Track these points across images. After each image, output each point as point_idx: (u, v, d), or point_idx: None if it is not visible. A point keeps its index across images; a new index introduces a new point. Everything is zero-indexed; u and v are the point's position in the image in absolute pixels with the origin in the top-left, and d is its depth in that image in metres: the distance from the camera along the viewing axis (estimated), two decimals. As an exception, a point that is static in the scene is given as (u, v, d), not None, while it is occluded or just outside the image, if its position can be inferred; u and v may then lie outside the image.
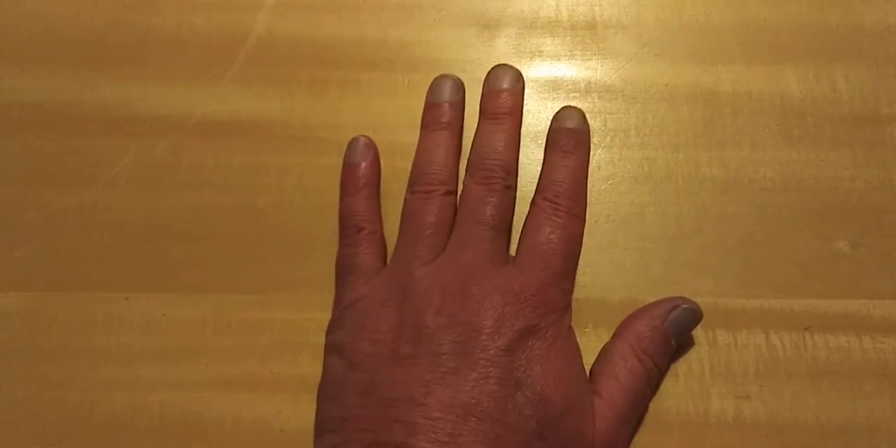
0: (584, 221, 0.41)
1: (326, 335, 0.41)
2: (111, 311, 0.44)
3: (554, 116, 0.43)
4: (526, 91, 0.46)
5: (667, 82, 0.47)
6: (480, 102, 0.44)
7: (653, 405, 0.41)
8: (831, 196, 0.45)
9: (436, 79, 0.45)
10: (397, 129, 0.46)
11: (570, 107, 0.44)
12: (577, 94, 0.47)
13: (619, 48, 0.48)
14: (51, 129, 0.48)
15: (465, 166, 0.42)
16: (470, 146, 0.42)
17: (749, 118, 0.46)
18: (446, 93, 0.44)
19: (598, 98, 0.47)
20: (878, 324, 0.42)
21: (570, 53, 0.48)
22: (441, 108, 0.44)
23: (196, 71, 0.48)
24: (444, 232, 0.40)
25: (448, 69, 0.47)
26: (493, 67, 0.44)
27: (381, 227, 0.43)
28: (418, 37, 0.48)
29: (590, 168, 0.44)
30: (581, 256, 0.43)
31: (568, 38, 0.48)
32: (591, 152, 0.45)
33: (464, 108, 0.45)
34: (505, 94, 0.43)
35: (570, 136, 0.42)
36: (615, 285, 0.43)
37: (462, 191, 0.41)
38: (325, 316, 0.42)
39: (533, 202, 0.41)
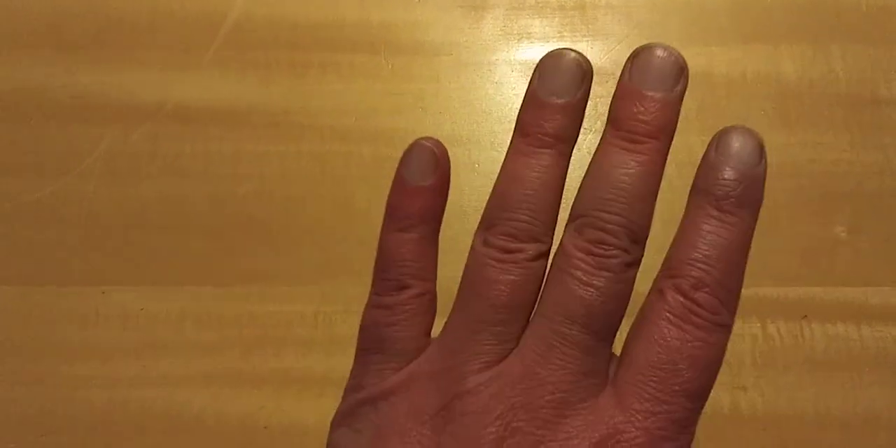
0: (730, 332, 0.26)
1: (332, 428, 0.29)
2: (87, 305, 0.43)
3: (716, 138, 0.27)
4: (512, 75, 0.45)
5: (659, 64, 0.46)
6: (612, 107, 0.27)
7: (647, 397, 0.40)
8: (828, 180, 0.44)
9: (549, 53, 0.27)
10: (380, 114, 0.45)
11: (745, 129, 0.26)
12: (567, 77, 0.46)
13: (609, 29, 0.47)
14: (22, 117, 0.46)
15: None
16: (582, 178, 0.27)
17: (744, 100, 0.45)
18: (564, 82, 0.27)
19: (589, 81, 0.46)
20: (877, 312, 0.41)
21: (559, 35, 0.47)
22: (551, 110, 0.27)
23: (172, 56, 0.47)
24: (522, 317, 0.27)
25: (433, 53, 0.45)
26: (642, 48, 0.27)
27: (435, 285, 0.29)
28: (401, 18, 0.47)
29: (580, 154, 0.43)
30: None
31: (557, 19, 0.47)
32: (581, 137, 0.44)
33: (584, 113, 0.28)
34: (660, 101, 0.26)
35: (736, 187, 0.26)
36: (607, 274, 0.42)
37: (556, 254, 0.27)
38: (308, 308, 0.41)
39: (655, 290, 0.26)
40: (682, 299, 0.25)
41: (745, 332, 0.41)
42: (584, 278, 0.25)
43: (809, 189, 0.44)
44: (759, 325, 0.41)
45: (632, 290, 0.26)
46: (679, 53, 0.27)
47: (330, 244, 0.44)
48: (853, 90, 0.45)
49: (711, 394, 0.40)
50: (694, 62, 0.46)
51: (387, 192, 0.41)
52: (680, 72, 0.27)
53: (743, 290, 0.41)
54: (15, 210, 0.45)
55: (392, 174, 0.40)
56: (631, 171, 0.26)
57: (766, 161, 0.26)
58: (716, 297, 0.25)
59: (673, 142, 0.45)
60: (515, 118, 0.27)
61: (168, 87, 0.46)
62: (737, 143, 0.26)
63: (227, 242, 0.44)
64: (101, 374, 0.42)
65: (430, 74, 0.46)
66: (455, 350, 0.26)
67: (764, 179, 0.26)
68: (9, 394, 0.42)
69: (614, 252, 0.25)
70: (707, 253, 0.25)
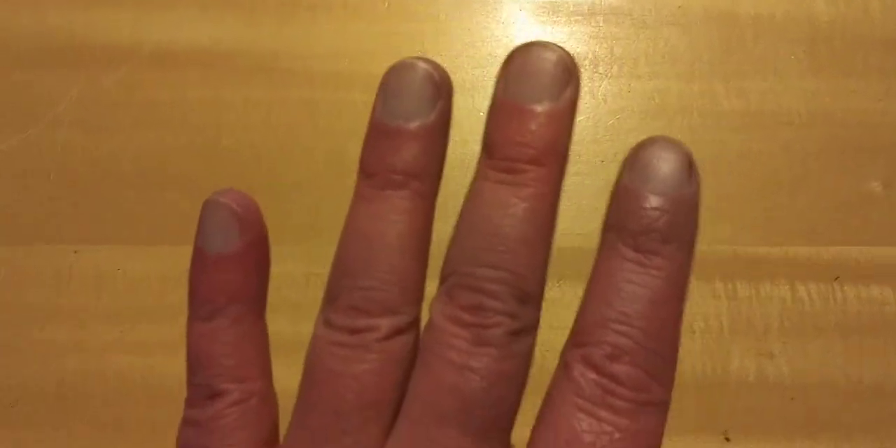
0: (667, 410, 0.20)
1: None
2: (59, 265, 0.41)
3: (629, 157, 0.20)
4: (520, 15, 0.42)
5: (680, 4, 0.43)
6: (486, 129, 0.21)
7: (666, 365, 0.37)
8: (862, 131, 0.41)
9: (392, 68, 0.21)
10: (375, 57, 0.42)
11: (663, 142, 0.20)
12: (580, 18, 0.43)
13: (625, -35, 0.44)
14: (-15, 62, 0.44)
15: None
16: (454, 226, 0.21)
17: (772, 44, 0.42)
18: (412, 101, 0.21)
19: (604, 21, 0.43)
20: (915, 273, 0.39)
21: (570, -29, 0.44)
22: (398, 138, 0.21)
23: (147, -7, 0.44)
24: (382, 418, 0.20)
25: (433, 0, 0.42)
26: (518, 47, 0.20)
27: (266, 383, 0.23)
28: (399, -49, 0.44)
29: (594, 100, 0.40)
30: (584, 201, 0.39)
31: (568, -47, 0.44)
32: (596, 83, 0.41)
33: (447, 136, 0.22)
34: (541, 115, 0.20)
35: (657, 217, 0.19)
36: (624, 232, 0.39)
37: (424, 330, 0.21)
38: (298, 269, 0.39)
39: (561, 365, 0.20)
40: (594, 376, 0.19)
41: (773, 295, 0.39)
42: (458, 360, 0.19)
43: (841, 140, 0.41)
44: (787, 287, 0.39)
45: (529, 365, 0.20)
46: (564, 51, 0.20)
47: (321, 200, 0.41)
48: (889, 32, 0.42)
49: (736, 360, 0.37)
50: (718, 1, 0.43)
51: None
52: (567, 74, 0.20)
53: (770, 250, 0.39)
54: (-22, 163, 0.42)
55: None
56: (511, 210, 0.19)
57: (697, 180, 0.19)
58: (640, 368, 0.19)
59: (693, 87, 0.42)
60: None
61: (144, 28, 0.43)
62: (655, 160, 0.19)
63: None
64: (75, 340, 0.40)
65: (430, 13, 0.42)
66: None
67: (697, 204, 0.19)
68: (-23, 360, 0.39)
69: (496, 319, 0.19)
70: (624, 310, 0.19)
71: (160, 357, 0.39)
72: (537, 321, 0.20)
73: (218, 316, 0.22)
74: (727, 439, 0.37)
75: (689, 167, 0.19)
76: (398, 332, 0.20)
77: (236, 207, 0.22)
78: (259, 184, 0.41)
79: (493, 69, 0.41)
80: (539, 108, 0.20)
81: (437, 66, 0.21)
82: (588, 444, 0.18)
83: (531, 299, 0.19)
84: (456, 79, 0.39)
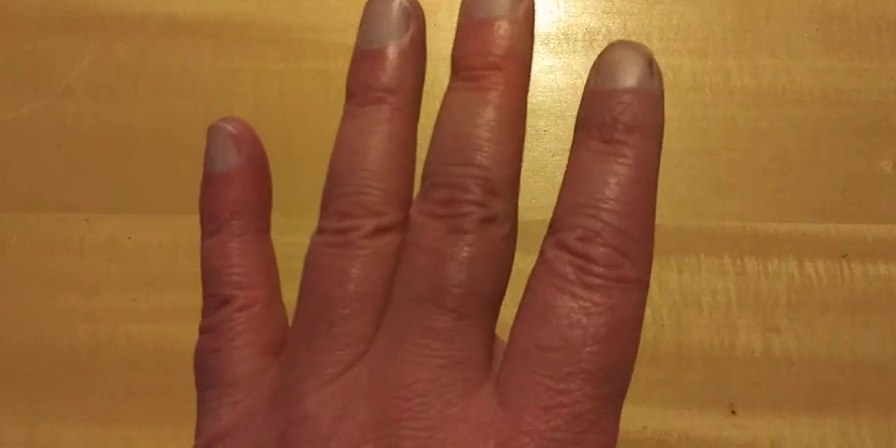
0: (647, 288, 0.20)
1: None
2: (71, 233, 0.40)
3: (595, 63, 0.21)
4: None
5: (694, -20, 0.43)
6: (453, 46, 0.22)
7: (674, 338, 0.38)
8: (875, 110, 0.41)
9: (368, 2, 0.23)
10: None
11: (624, 44, 0.21)
12: (594, -8, 0.42)
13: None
14: (-3, 29, 0.43)
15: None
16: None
17: (785, 22, 0.42)
18: (385, 26, 0.23)
19: (618, -4, 0.43)
20: (923, 251, 0.39)
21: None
22: (373, 59, 0.23)
23: (160, -39, 0.43)
24: (371, 310, 0.21)
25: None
26: None
27: (272, 291, 0.24)
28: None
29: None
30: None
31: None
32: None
33: (424, 59, 0.23)
34: (498, 27, 0.21)
35: (622, 110, 0.20)
36: (634, 207, 0.39)
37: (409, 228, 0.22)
38: (309, 240, 0.39)
39: (540, 253, 0.20)
40: (567, 257, 0.19)
41: (780, 271, 0.39)
42: (432, 246, 0.20)
43: (853, 119, 0.41)
44: (795, 263, 0.39)
45: (509, 252, 0.21)
46: None
47: (332, 172, 0.40)
48: (904, 12, 0.42)
49: (743, 335, 0.37)
50: (733, -23, 0.42)
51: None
52: None
53: (779, 226, 0.39)
54: (-10, 130, 0.42)
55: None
56: (476, 111, 0.20)
57: (660, 77, 0.20)
58: (611, 248, 0.19)
59: (706, 64, 0.42)
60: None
61: (156, -4, 0.43)
62: (617, 61, 0.20)
63: (221, 168, 0.41)
64: (87, 308, 0.39)
65: (445, -14, 0.42)
66: (291, 366, 0.21)
67: (660, 97, 0.20)
68: (-12, 328, 0.39)
69: (467, 209, 0.20)
70: (593, 195, 0.20)
71: (172, 324, 0.39)
72: (512, 212, 0.20)
73: (223, 230, 0.24)
74: (733, 412, 0.37)
75: (650, 65, 0.20)
76: (382, 230, 0.21)
77: (232, 129, 0.24)
78: (271, 154, 0.41)
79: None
80: (494, 21, 0.21)
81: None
82: (563, 316, 0.19)
83: (501, 190, 0.20)
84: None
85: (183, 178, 0.41)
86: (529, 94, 0.22)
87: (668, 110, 0.40)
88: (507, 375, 0.19)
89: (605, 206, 0.19)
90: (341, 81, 0.41)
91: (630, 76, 0.20)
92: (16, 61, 0.43)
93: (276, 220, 0.39)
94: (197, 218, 0.40)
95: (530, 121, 0.39)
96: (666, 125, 0.38)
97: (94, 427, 0.38)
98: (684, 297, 0.38)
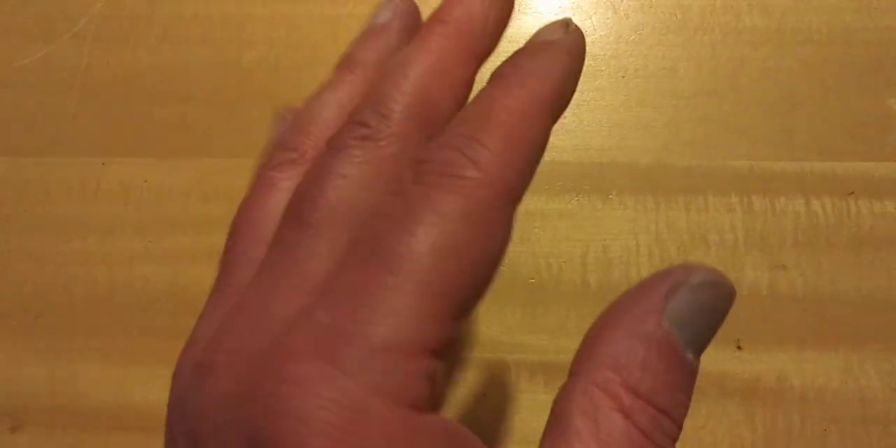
0: (513, 200, 0.18)
1: None
2: (86, 177, 0.41)
3: None
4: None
5: (703, -80, 0.42)
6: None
7: (681, 276, 0.38)
8: (883, 49, 0.41)
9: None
10: None
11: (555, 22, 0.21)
12: (602, -67, 0.42)
13: None
14: (7, -25, 0.43)
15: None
16: None
17: (794, -40, 0.41)
18: (379, 14, 0.25)
19: (626, -63, 0.42)
20: (929, 188, 0.39)
21: None
22: (358, 39, 0.26)
23: None
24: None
25: None
26: None
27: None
28: None
29: (616, 16, 0.40)
30: (604, 116, 0.39)
31: None
32: None
33: (398, 38, 0.25)
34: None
35: (521, 57, 0.20)
36: (643, 147, 0.39)
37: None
38: None
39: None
40: (411, 165, 0.18)
41: (786, 209, 0.39)
42: (319, 169, 0.20)
43: (861, 58, 0.40)
44: (802, 201, 0.39)
45: (374, 170, 0.19)
46: None
47: (343, 117, 0.40)
48: (914, -49, 0.42)
49: (749, 273, 0.38)
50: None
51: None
52: None
53: (786, 165, 0.39)
54: (5, 76, 0.42)
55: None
56: (416, 56, 0.21)
57: (577, 33, 0.21)
58: (458, 152, 0.18)
59: (715, 2, 0.42)
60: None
61: (165, -59, 0.43)
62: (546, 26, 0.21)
63: (232, 112, 0.41)
64: (102, 251, 0.40)
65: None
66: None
67: (571, 50, 0.20)
68: (4, 271, 0.39)
69: (348, 128, 0.20)
70: (475, 112, 0.19)
71: (186, 266, 0.39)
72: (398, 134, 0.20)
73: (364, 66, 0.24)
74: (739, 347, 0.37)
75: (566, 25, 0.21)
76: (287, 163, 0.22)
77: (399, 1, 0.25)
78: (281, 99, 0.41)
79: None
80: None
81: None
82: (385, 215, 0.18)
83: (401, 120, 0.20)
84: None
85: (195, 122, 0.41)
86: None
87: (677, 50, 0.40)
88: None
89: (472, 124, 0.19)
90: (349, 25, 0.42)
91: (547, 31, 0.21)
92: (27, 8, 0.43)
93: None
94: (210, 161, 0.41)
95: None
96: (675, 65, 0.38)
97: (112, 366, 0.38)
98: (692, 236, 0.38)
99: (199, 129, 0.41)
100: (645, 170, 0.39)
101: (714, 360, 0.37)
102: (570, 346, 0.18)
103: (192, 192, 0.40)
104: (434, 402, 0.16)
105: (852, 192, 0.39)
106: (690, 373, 0.19)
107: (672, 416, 0.18)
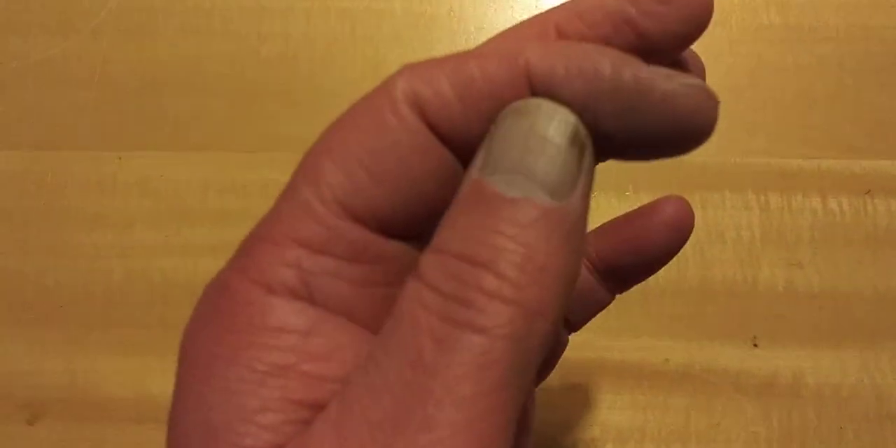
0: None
1: None
2: (104, 171, 0.41)
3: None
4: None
5: (722, -85, 0.42)
6: None
7: (697, 273, 0.38)
8: (901, 46, 0.40)
9: None
10: None
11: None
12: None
13: None
14: (25, -31, 0.43)
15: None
16: None
17: (813, -43, 0.41)
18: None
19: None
20: (947, 187, 0.39)
21: None
22: None
23: None
24: None
25: None
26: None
27: None
28: None
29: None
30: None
31: None
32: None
33: None
34: None
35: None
36: (659, 143, 0.39)
37: None
38: None
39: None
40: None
41: (803, 207, 0.39)
42: None
43: (880, 56, 0.40)
44: (819, 199, 0.39)
45: None
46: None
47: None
48: (933, -52, 0.41)
49: (766, 270, 0.38)
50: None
51: (421, 52, 0.38)
52: None
53: (804, 162, 0.39)
54: (24, 70, 0.42)
55: (426, 34, 0.36)
56: None
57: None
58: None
59: (732, 2, 0.41)
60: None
61: (184, -65, 0.43)
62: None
63: (249, 106, 0.41)
64: (120, 244, 0.40)
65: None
66: None
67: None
68: (23, 264, 0.40)
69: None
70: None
71: (203, 259, 0.39)
72: None
73: None
74: (755, 345, 0.37)
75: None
76: None
77: None
78: (298, 91, 0.41)
79: (533, -20, 0.41)
80: None
81: None
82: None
83: None
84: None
85: (213, 115, 0.41)
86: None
87: (694, 47, 0.40)
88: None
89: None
90: (366, 18, 0.42)
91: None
92: (45, 3, 0.43)
93: (300, 156, 0.40)
94: (227, 155, 0.41)
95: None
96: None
97: (131, 358, 0.38)
98: (708, 233, 0.38)
99: (216, 123, 0.41)
100: (661, 166, 0.39)
101: (731, 357, 0.37)
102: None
103: (210, 185, 0.40)
104: (310, 292, 0.16)
105: (869, 191, 0.39)
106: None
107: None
